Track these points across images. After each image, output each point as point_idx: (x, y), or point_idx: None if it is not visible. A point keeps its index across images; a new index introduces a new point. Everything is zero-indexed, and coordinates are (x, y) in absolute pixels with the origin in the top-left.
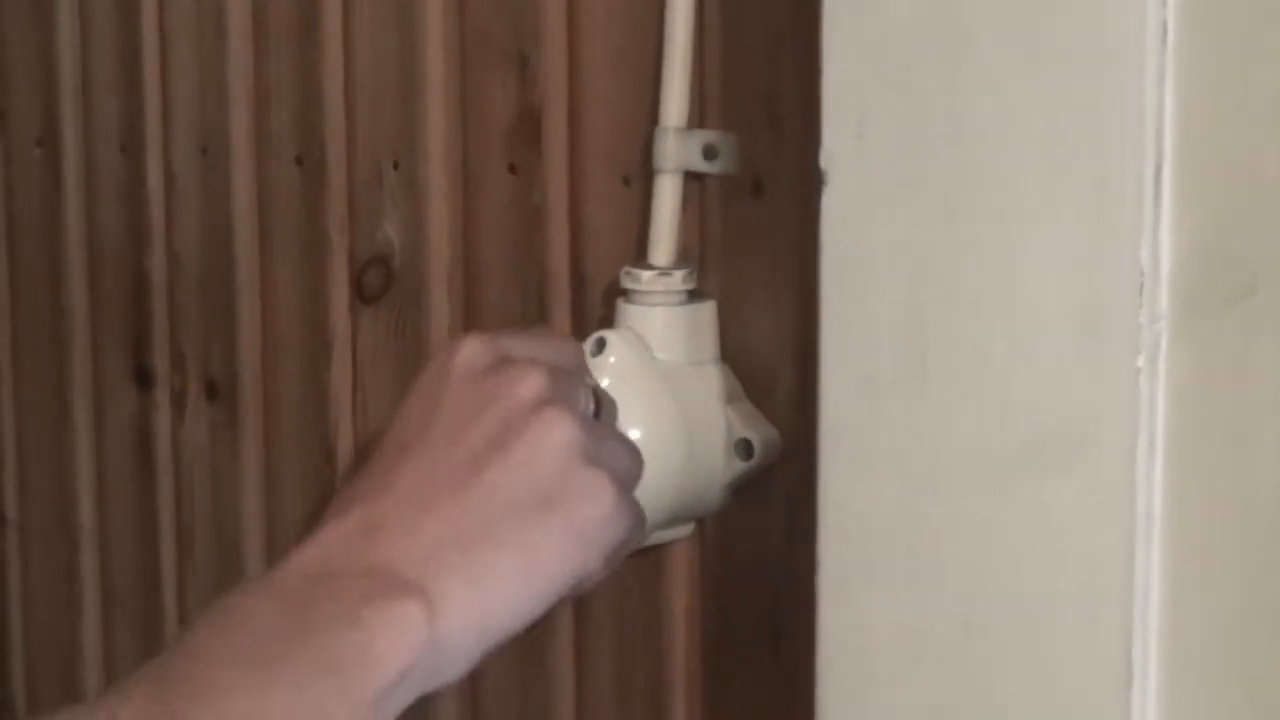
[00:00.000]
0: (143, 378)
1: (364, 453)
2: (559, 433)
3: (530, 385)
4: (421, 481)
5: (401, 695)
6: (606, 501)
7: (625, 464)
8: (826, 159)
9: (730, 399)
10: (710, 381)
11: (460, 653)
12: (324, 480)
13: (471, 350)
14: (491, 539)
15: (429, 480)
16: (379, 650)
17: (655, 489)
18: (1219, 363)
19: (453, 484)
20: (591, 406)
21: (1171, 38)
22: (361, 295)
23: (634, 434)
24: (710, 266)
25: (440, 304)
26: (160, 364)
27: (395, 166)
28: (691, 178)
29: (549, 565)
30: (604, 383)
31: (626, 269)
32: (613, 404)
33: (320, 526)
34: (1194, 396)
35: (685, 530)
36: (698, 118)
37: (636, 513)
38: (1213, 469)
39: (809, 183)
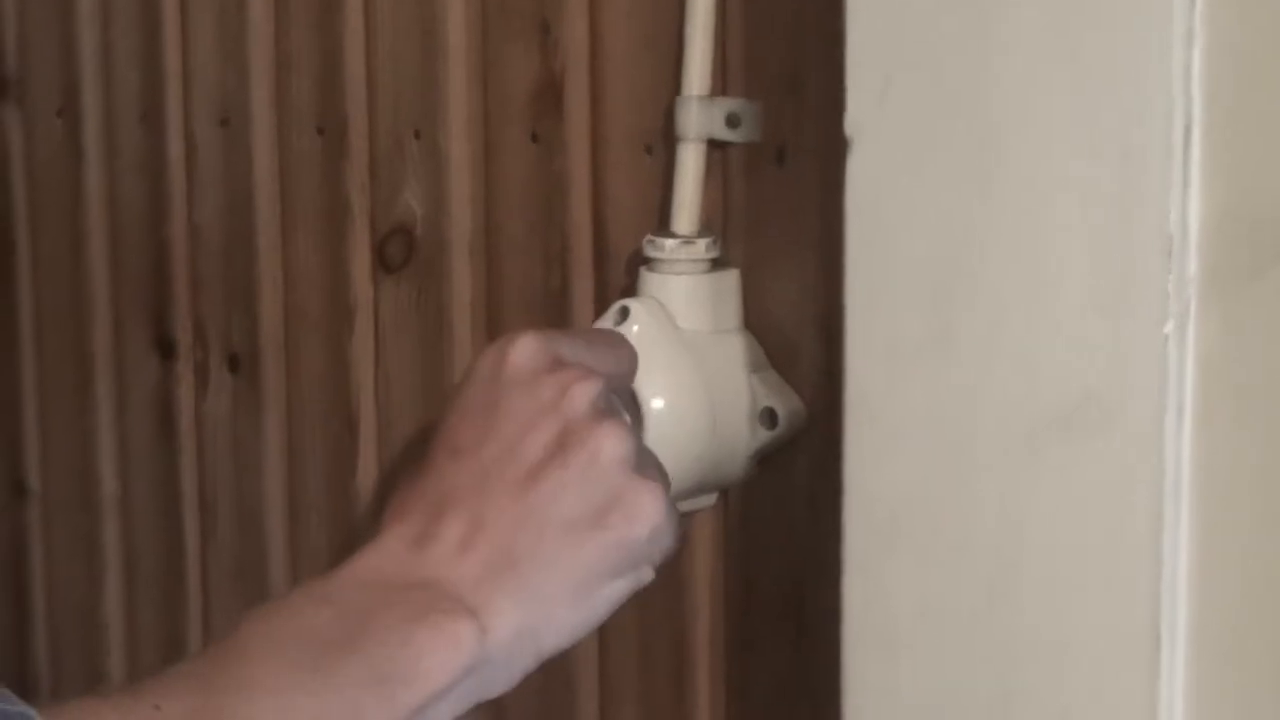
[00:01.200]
0: (164, 349)
1: (413, 450)
2: (614, 447)
3: (586, 395)
4: (476, 492)
5: (447, 708)
6: (658, 515)
7: (663, 471)
8: (851, 125)
9: (754, 368)
10: (734, 350)
11: (511, 669)
12: (346, 450)
13: (526, 351)
14: (546, 557)
15: (484, 491)
16: (426, 667)
17: (679, 458)
18: (1248, 329)
19: (508, 496)
20: (627, 414)
21: (1200, 0)
22: (383, 265)
23: (657, 403)
24: (733, 235)
25: (462, 273)
26: (182, 335)
27: (416, 136)
28: (714, 146)
29: (603, 585)
30: None
31: (649, 237)
32: (641, 427)
33: (377, 533)
34: (1222, 364)
35: (709, 500)
36: (720, 85)
37: (678, 520)
38: (1241, 437)
39: (833, 150)
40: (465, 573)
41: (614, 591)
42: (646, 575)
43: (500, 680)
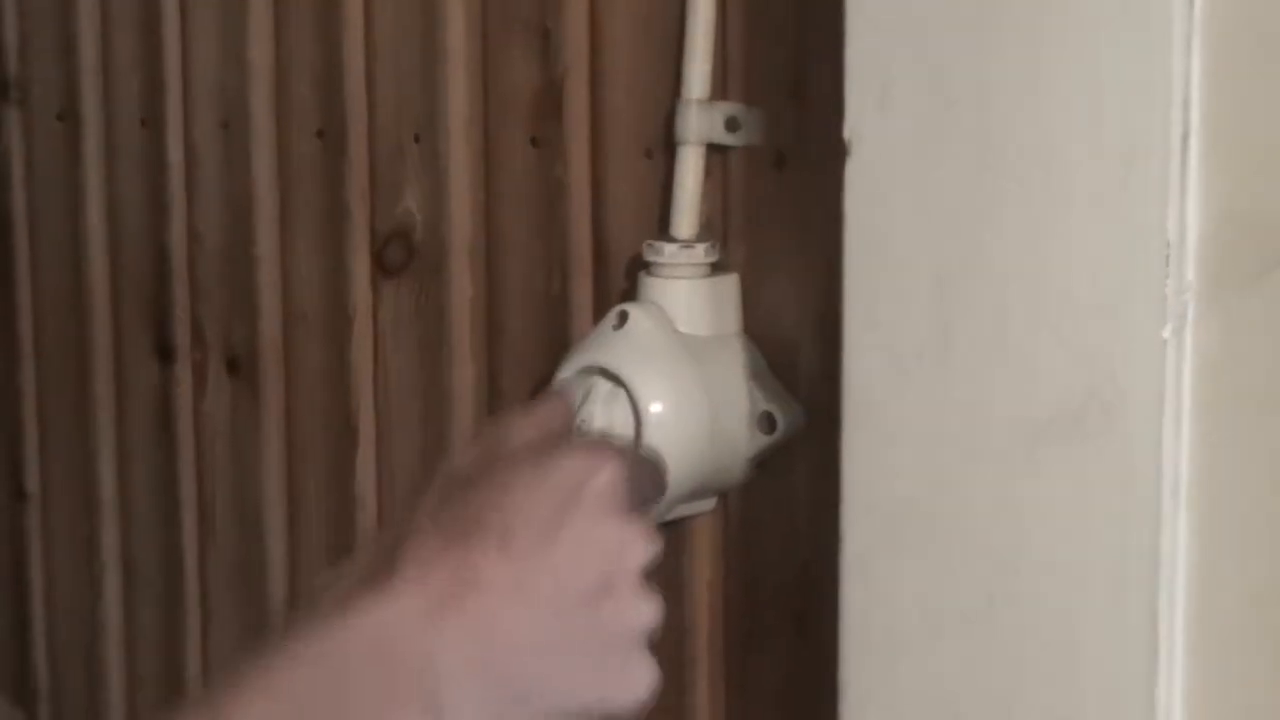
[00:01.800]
0: (164, 352)
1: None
2: (641, 621)
3: (641, 558)
4: (509, 597)
5: None
6: (640, 689)
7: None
8: (850, 130)
9: (753, 372)
10: (733, 355)
11: None
12: (345, 452)
13: (612, 479)
14: (534, 690)
15: (515, 599)
16: None
17: (678, 462)
18: (1246, 333)
19: (534, 614)
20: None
21: (1198, 5)
22: (383, 269)
23: (656, 407)
24: (733, 239)
25: (461, 277)
26: (181, 338)
27: (416, 140)
28: (714, 150)
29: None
30: (626, 357)
31: (649, 242)
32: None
33: (393, 572)
34: (1221, 367)
35: (708, 504)
36: (720, 90)
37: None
38: (1240, 440)
39: (832, 155)
40: (457, 679)
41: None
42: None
43: None
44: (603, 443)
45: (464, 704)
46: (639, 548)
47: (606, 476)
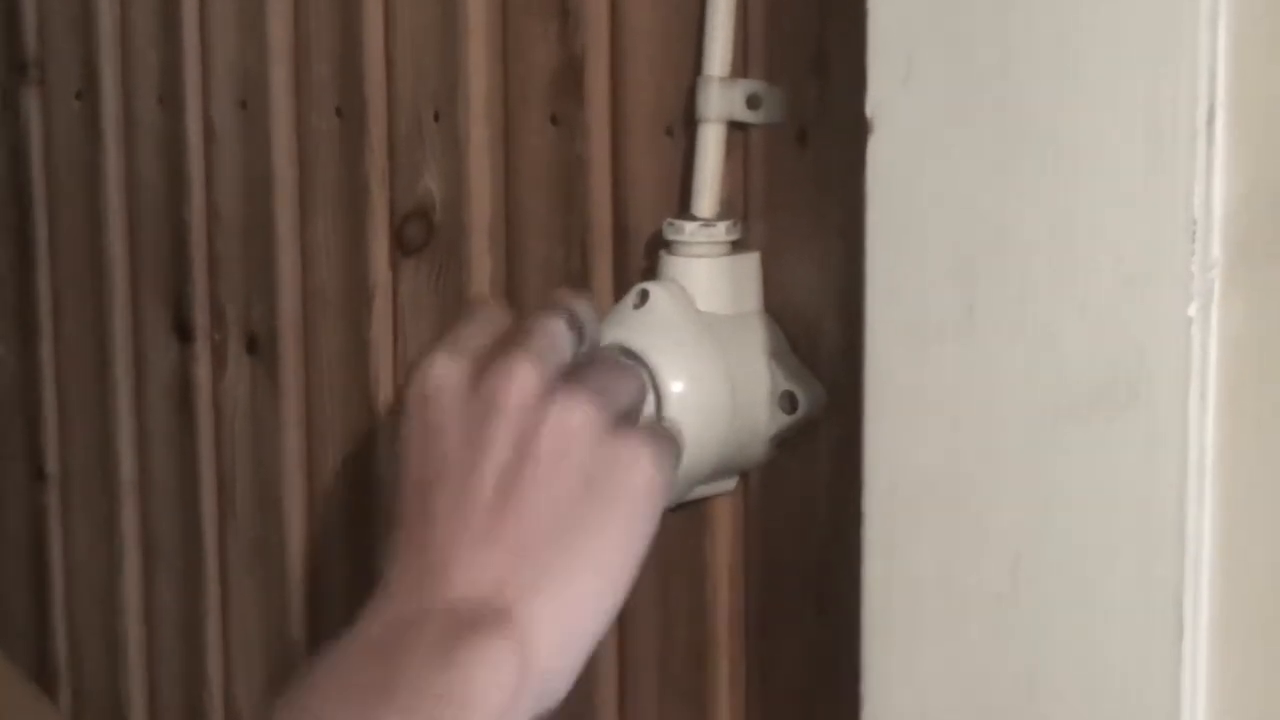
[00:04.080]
0: (183, 331)
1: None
2: (574, 416)
3: (523, 379)
4: (460, 514)
5: None
6: (647, 459)
7: (634, 393)
8: (872, 106)
9: (774, 351)
10: (754, 334)
11: (563, 668)
12: (365, 433)
13: (441, 367)
14: (555, 547)
15: (468, 509)
16: (477, 689)
17: (698, 442)
18: (1272, 310)
19: (494, 506)
20: (571, 338)
21: None
22: (402, 247)
23: (677, 386)
24: (754, 217)
25: (481, 256)
26: (200, 317)
27: (436, 118)
28: (735, 127)
29: (621, 551)
30: (646, 336)
31: (669, 220)
32: (592, 313)
33: (382, 581)
34: (1247, 345)
35: (729, 484)
36: (741, 66)
37: (670, 441)
38: (1265, 418)
39: (854, 132)
40: (483, 587)
41: (637, 550)
42: (658, 519)
43: (556, 682)
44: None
45: (519, 603)
46: (513, 377)
47: (434, 372)
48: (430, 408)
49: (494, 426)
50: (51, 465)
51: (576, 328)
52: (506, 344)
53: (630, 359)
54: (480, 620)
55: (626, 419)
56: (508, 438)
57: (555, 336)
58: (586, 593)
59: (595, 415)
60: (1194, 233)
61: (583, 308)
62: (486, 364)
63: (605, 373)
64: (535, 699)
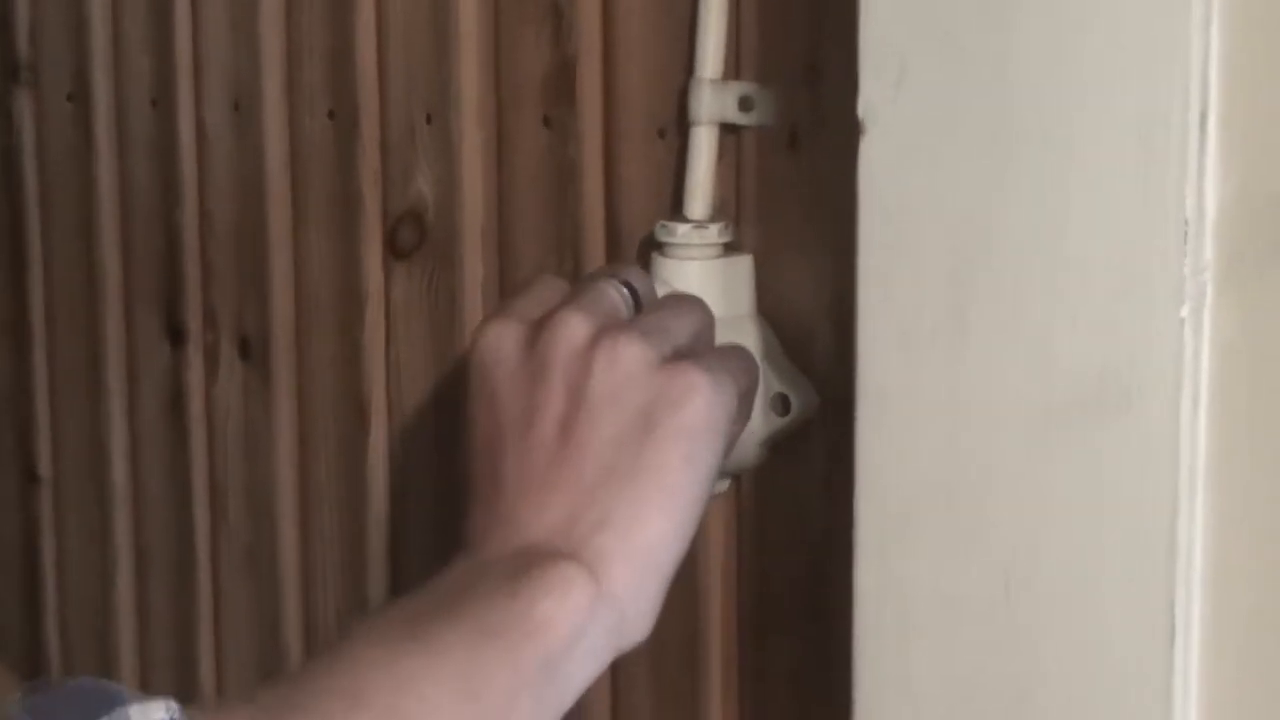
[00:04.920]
0: (175, 335)
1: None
2: (623, 355)
3: (571, 329)
4: (525, 468)
5: (583, 661)
6: (702, 387)
7: (692, 326)
8: (864, 109)
9: (767, 354)
10: (746, 336)
11: (639, 601)
12: (357, 435)
13: (495, 333)
14: (618, 483)
15: (531, 464)
16: (541, 615)
17: None
18: (1265, 314)
19: (554, 456)
20: (626, 294)
21: None
22: (394, 251)
23: None
24: (746, 220)
25: (474, 259)
26: (192, 321)
27: (428, 120)
28: (727, 130)
29: (684, 481)
30: None
31: (661, 222)
32: (643, 276)
33: (460, 549)
34: (1239, 348)
35: (722, 486)
36: (734, 69)
37: (733, 367)
38: (1258, 422)
39: (847, 134)
40: (552, 530)
41: (700, 478)
42: (726, 446)
43: (635, 619)
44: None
45: (589, 539)
46: (562, 328)
47: (488, 337)
48: (489, 374)
49: (548, 379)
50: (44, 469)
51: (629, 289)
52: (561, 298)
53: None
54: (549, 556)
55: (689, 353)
56: (562, 387)
57: (605, 293)
58: (653, 527)
59: (643, 353)
60: (1186, 235)
61: (635, 273)
62: (539, 325)
63: (660, 313)
64: (611, 633)
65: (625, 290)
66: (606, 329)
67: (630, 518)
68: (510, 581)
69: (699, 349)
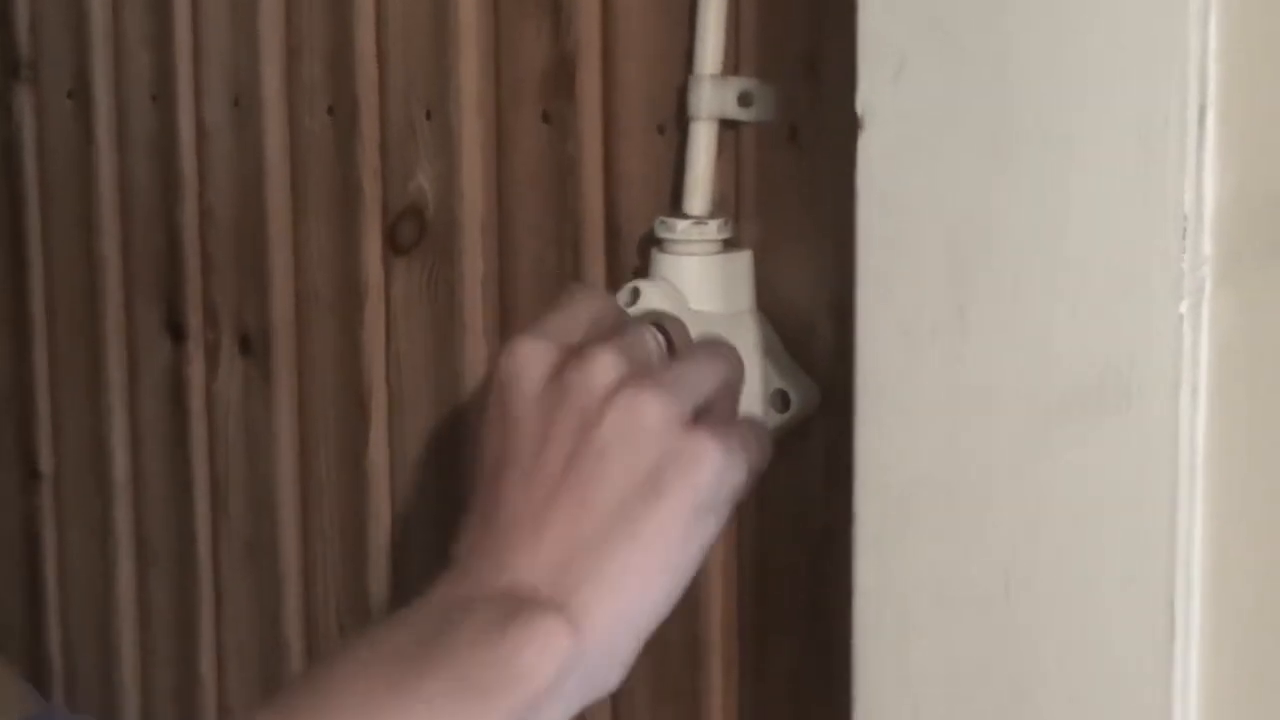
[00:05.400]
0: (175, 331)
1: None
2: (643, 412)
3: (599, 368)
4: (525, 498)
5: (556, 710)
6: (715, 460)
7: (719, 380)
8: (863, 104)
9: (766, 350)
10: (746, 332)
11: (613, 657)
12: (357, 431)
13: (525, 353)
14: (614, 541)
15: (531, 496)
16: (522, 666)
17: None
18: (1264, 309)
19: (556, 493)
20: (661, 340)
21: None
22: (394, 246)
23: None
24: (746, 216)
25: (473, 254)
26: (193, 317)
27: (428, 116)
28: (727, 125)
29: (680, 553)
30: None
31: (661, 218)
32: (678, 323)
33: (445, 565)
34: (1238, 344)
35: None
36: (733, 64)
37: (749, 440)
38: (1257, 418)
39: (846, 130)
40: (539, 573)
41: (694, 549)
42: (723, 519)
43: (606, 672)
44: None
45: (576, 589)
46: (590, 366)
47: (517, 355)
48: (510, 391)
49: (565, 414)
50: (45, 465)
51: (665, 335)
52: (593, 337)
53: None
54: (534, 602)
55: (708, 411)
56: (576, 426)
57: (641, 338)
58: (641, 591)
59: (664, 410)
60: (1185, 230)
61: (670, 320)
62: (570, 353)
63: (688, 365)
64: (585, 685)
65: (660, 338)
66: (633, 376)
67: (621, 578)
68: (494, 628)
69: (721, 409)
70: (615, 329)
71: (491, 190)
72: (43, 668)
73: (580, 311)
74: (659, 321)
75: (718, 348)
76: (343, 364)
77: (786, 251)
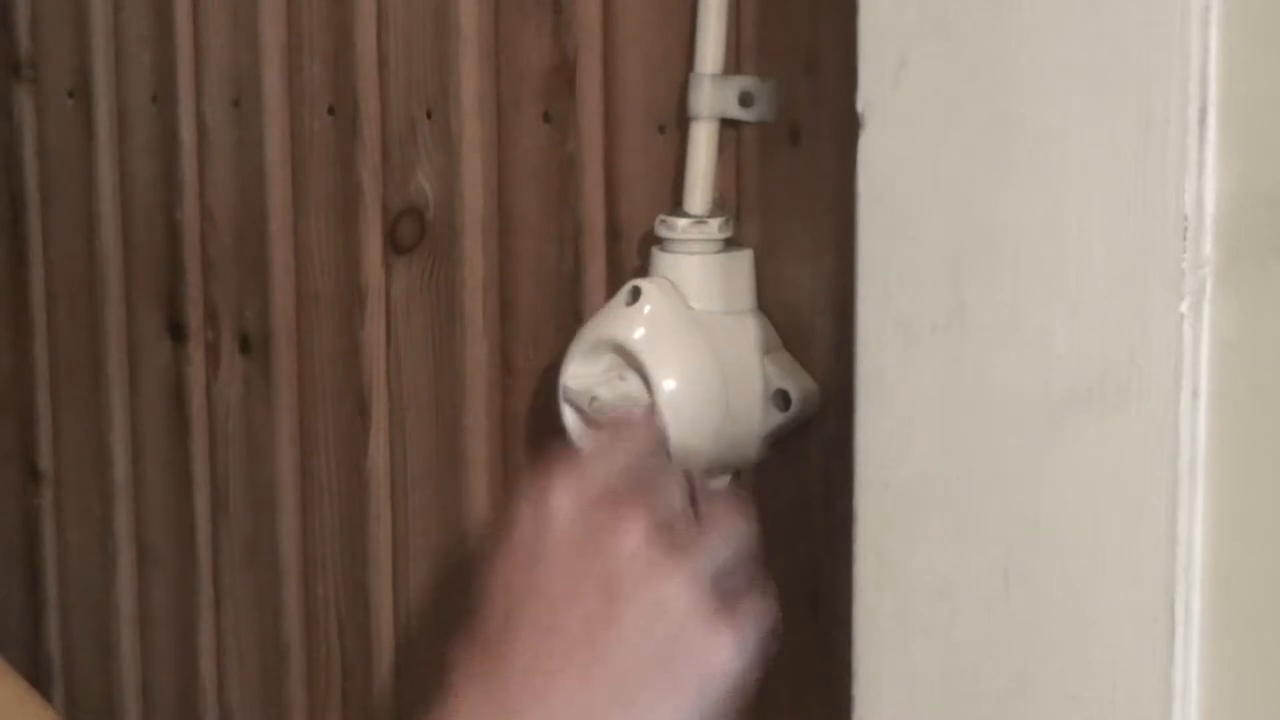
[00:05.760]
0: (176, 331)
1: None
2: (666, 593)
3: (628, 534)
4: (539, 654)
5: None
6: (729, 649)
7: (735, 547)
8: (863, 103)
9: (767, 349)
10: (747, 331)
11: None
12: (357, 431)
13: (561, 502)
14: (623, 708)
15: (548, 644)
16: None
17: (691, 440)
18: (1264, 308)
19: (570, 657)
20: (683, 491)
21: None
22: (395, 246)
23: (669, 384)
24: (746, 215)
25: (474, 254)
26: (193, 317)
27: (428, 116)
28: (727, 125)
29: None
30: (638, 333)
31: (662, 217)
32: (702, 485)
33: (449, 700)
34: (1238, 343)
35: (722, 482)
36: (734, 64)
37: (757, 615)
38: (1257, 417)
39: (847, 130)
40: None
41: None
42: (730, 696)
43: None
44: (631, 500)
45: None
46: (624, 530)
47: (554, 502)
48: (538, 525)
49: (590, 571)
50: (45, 465)
51: (690, 485)
52: (628, 481)
53: (623, 358)
54: None
55: (725, 575)
56: (600, 589)
57: (670, 490)
58: None
59: (686, 593)
60: (1185, 230)
61: (697, 473)
62: (604, 499)
63: (711, 532)
64: None
65: (688, 486)
66: (662, 544)
67: None
68: None
69: (738, 578)
70: (649, 479)
71: (492, 190)
72: (43, 667)
73: (618, 453)
74: (689, 478)
75: (737, 506)
76: (343, 363)
77: (787, 250)
